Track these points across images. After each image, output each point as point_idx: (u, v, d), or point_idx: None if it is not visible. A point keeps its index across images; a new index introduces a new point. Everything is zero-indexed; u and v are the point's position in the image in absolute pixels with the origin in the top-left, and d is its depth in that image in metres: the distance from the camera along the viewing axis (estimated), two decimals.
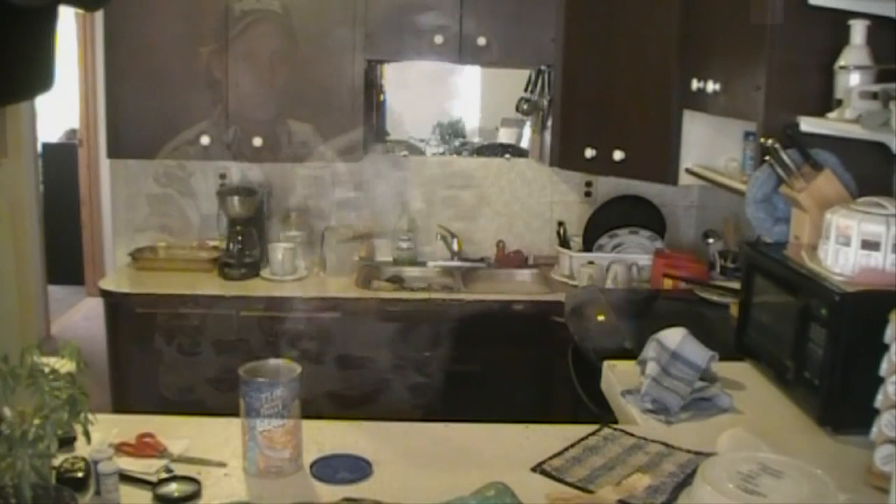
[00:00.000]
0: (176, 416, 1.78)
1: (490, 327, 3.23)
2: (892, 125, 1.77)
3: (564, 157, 3.44)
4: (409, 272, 3.65)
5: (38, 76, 1.20)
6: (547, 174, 3.75)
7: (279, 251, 3.41)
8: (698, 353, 1.90)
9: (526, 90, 3.62)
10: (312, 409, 1.83)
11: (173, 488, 1.45)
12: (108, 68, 3.38)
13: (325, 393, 2.43)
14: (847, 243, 1.79)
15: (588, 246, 3.55)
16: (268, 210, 3.64)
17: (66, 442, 1.49)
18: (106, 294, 3.34)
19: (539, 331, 3.22)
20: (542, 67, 3.52)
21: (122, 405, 3.16)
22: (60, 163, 6.27)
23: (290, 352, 2.99)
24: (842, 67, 2.05)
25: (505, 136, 3.92)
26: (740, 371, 2.06)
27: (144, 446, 1.59)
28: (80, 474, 1.44)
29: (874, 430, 1.51)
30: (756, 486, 1.49)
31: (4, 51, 1.10)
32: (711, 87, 2.56)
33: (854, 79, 2.02)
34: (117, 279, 3.49)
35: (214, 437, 1.67)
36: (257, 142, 3.33)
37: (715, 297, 2.91)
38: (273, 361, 1.60)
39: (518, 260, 3.75)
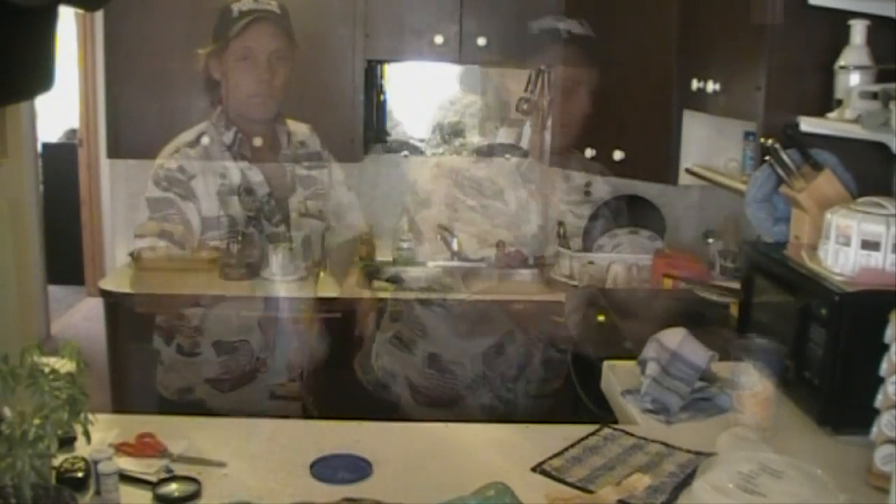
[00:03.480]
0: (176, 416, 1.78)
1: (490, 327, 3.23)
2: (892, 125, 1.77)
3: (564, 157, 3.44)
4: (409, 272, 3.65)
5: (38, 76, 1.20)
6: (547, 174, 3.75)
7: (279, 251, 3.41)
8: (698, 353, 1.90)
9: (526, 90, 3.62)
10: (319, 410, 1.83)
11: (173, 488, 1.45)
12: (108, 68, 3.38)
13: (330, 393, 2.43)
14: (847, 243, 1.79)
15: (588, 246, 3.55)
16: (268, 210, 3.63)
17: (66, 442, 1.48)
18: (106, 294, 3.33)
19: (539, 331, 3.22)
20: (542, 67, 3.51)
21: (122, 405, 3.15)
22: (60, 163, 6.27)
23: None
24: (842, 67, 2.05)
25: (505, 136, 3.92)
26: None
27: (144, 446, 1.59)
28: (80, 474, 1.44)
29: (874, 430, 1.51)
30: (756, 486, 1.49)
31: (4, 51, 1.10)
32: (711, 87, 2.56)
33: (854, 79, 2.01)
34: (117, 279, 3.48)
35: (214, 437, 1.67)
36: (257, 142, 3.33)
37: (715, 297, 2.91)
38: None
39: (518, 260, 3.75)
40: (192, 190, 1.99)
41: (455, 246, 3.72)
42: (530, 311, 3.28)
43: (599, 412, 2.13)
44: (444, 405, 3.13)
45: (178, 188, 1.99)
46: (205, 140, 2.08)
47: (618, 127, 3.18)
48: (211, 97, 2.10)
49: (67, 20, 5.26)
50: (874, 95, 1.91)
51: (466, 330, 3.19)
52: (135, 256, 3.54)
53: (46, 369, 1.25)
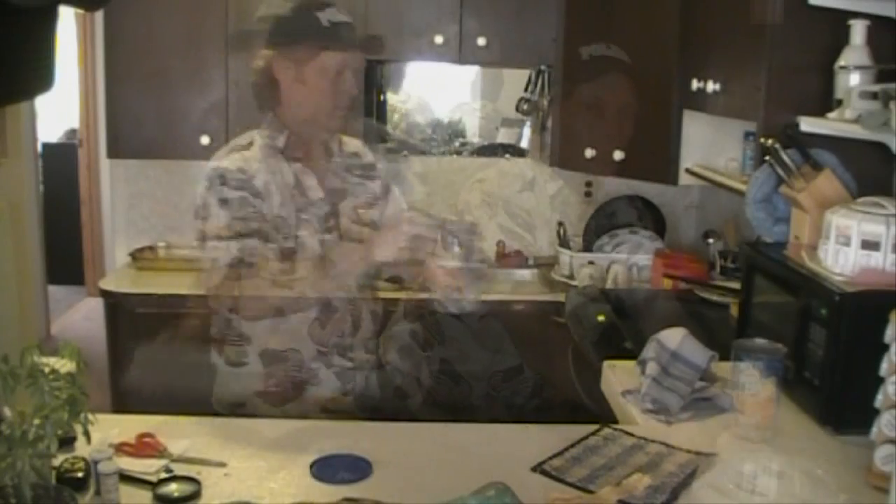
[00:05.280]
0: (176, 416, 1.78)
1: (490, 327, 3.23)
2: (892, 125, 1.77)
3: (564, 157, 3.45)
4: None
5: (38, 76, 1.20)
6: (547, 174, 3.76)
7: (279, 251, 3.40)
8: (698, 353, 1.90)
9: (526, 90, 3.63)
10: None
11: (173, 488, 1.45)
12: (108, 68, 3.38)
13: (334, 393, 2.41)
14: (847, 243, 1.79)
15: (588, 246, 3.55)
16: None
17: (66, 442, 1.48)
18: (106, 294, 3.34)
19: (539, 331, 3.22)
20: (542, 67, 3.52)
21: (122, 405, 3.16)
22: (60, 163, 6.27)
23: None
24: (842, 67, 2.05)
25: (505, 136, 3.92)
26: None
27: (144, 446, 1.59)
28: (80, 474, 1.44)
29: (874, 430, 1.51)
30: (756, 486, 1.49)
31: (4, 51, 1.10)
32: (711, 87, 2.56)
33: (854, 79, 2.02)
34: (117, 279, 3.49)
35: (214, 437, 1.67)
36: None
37: (715, 297, 2.91)
38: None
39: (518, 260, 3.75)
40: (257, 188, 1.95)
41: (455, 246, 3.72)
42: (530, 311, 3.28)
43: (599, 412, 2.13)
44: (451, 410, 3.12)
45: (246, 188, 1.93)
46: (258, 141, 2.01)
47: (618, 127, 3.18)
48: (264, 98, 2.04)
49: (67, 20, 5.27)
50: (874, 95, 1.91)
51: (484, 346, 3.18)
52: (135, 256, 3.55)
53: (46, 369, 1.25)
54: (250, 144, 2.02)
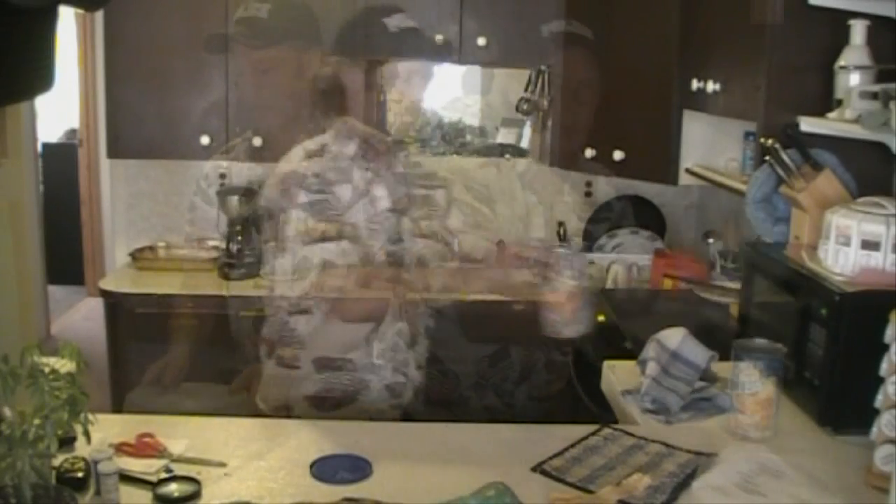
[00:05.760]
0: (176, 416, 1.78)
1: (490, 327, 3.23)
2: (892, 125, 1.77)
3: (564, 157, 3.44)
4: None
5: (38, 76, 1.20)
6: (547, 174, 3.75)
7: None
8: (698, 353, 1.90)
9: (526, 90, 3.62)
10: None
11: (173, 488, 1.45)
12: (108, 68, 3.38)
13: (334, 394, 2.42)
14: (847, 243, 1.79)
15: (588, 246, 3.55)
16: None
17: (66, 442, 1.48)
18: (106, 294, 3.34)
19: (539, 331, 3.22)
20: (542, 67, 3.52)
21: (122, 405, 3.16)
22: (60, 163, 6.27)
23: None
24: (842, 67, 2.05)
25: (505, 136, 3.92)
26: None
27: (144, 446, 1.59)
28: (80, 474, 1.44)
29: (874, 430, 1.51)
30: (756, 486, 1.49)
31: (4, 51, 1.10)
32: (711, 87, 2.56)
33: (854, 79, 2.02)
34: (117, 279, 3.49)
35: (214, 437, 1.67)
36: (257, 142, 3.33)
37: (715, 297, 2.91)
38: None
39: (518, 260, 3.74)
40: (335, 193, 1.90)
41: (456, 246, 3.71)
42: (530, 311, 3.27)
43: (599, 412, 2.13)
44: (445, 405, 3.11)
45: (326, 192, 1.88)
46: (329, 148, 1.98)
47: (618, 127, 3.18)
48: (330, 104, 2.01)
49: (67, 20, 5.26)
50: (874, 95, 1.91)
51: (470, 333, 3.18)
52: (135, 256, 3.56)
53: (46, 369, 1.25)
54: (321, 150, 1.97)
